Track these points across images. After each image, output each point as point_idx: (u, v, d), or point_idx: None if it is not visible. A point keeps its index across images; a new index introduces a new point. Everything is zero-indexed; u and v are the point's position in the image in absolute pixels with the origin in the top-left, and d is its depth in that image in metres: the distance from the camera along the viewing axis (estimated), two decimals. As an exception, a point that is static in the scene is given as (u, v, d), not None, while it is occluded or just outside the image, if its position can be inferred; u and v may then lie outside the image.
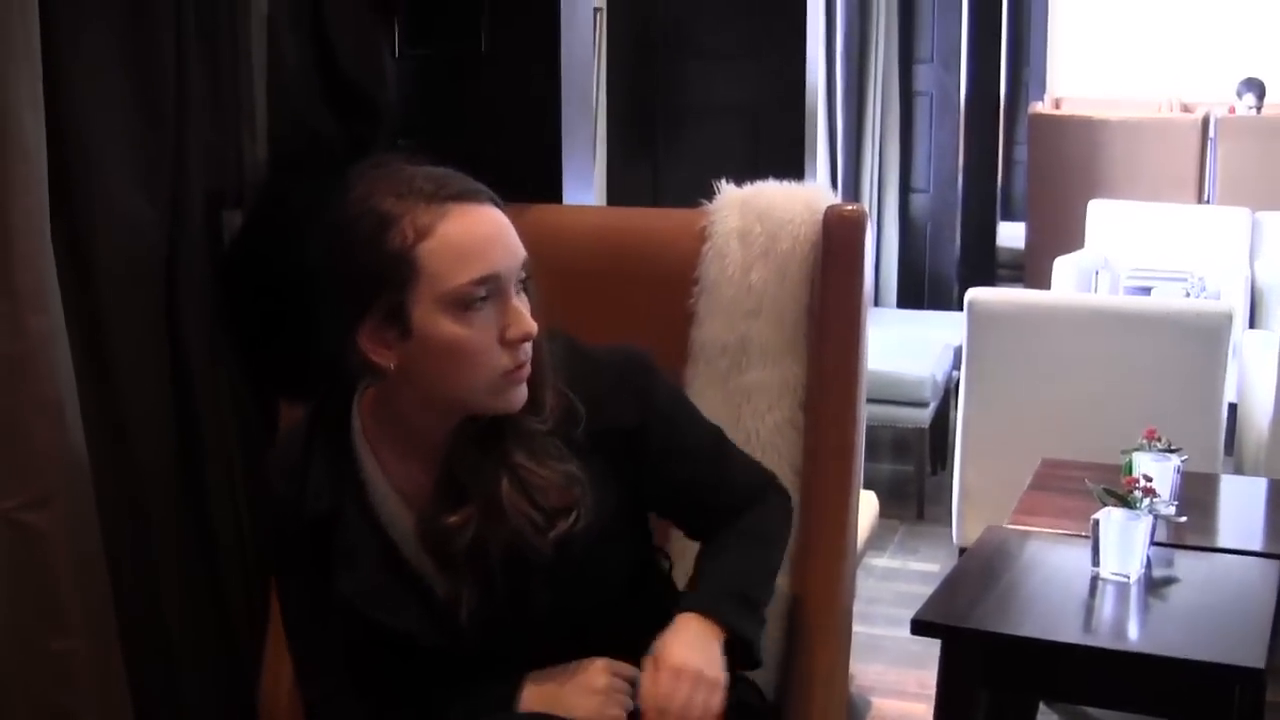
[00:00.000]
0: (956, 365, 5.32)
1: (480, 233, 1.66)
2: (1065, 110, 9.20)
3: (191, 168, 2.24)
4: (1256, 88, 8.63)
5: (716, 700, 1.74)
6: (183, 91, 2.22)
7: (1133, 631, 2.54)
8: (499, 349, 1.67)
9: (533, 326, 1.67)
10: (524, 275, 1.69)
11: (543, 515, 1.71)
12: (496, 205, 1.69)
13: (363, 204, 1.66)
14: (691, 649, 1.75)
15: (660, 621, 1.81)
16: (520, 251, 1.68)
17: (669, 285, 2.24)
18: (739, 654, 1.81)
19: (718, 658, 1.77)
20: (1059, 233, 7.07)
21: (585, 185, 2.65)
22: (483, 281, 1.64)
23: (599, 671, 1.79)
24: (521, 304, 1.68)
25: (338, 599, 1.78)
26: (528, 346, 1.69)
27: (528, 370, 1.70)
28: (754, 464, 1.99)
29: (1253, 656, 2.29)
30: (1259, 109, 8.47)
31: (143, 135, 2.18)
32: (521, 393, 1.71)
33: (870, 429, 4.61)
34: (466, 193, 1.67)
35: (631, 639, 1.80)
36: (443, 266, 1.63)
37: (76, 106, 2.07)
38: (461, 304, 1.64)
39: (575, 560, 1.74)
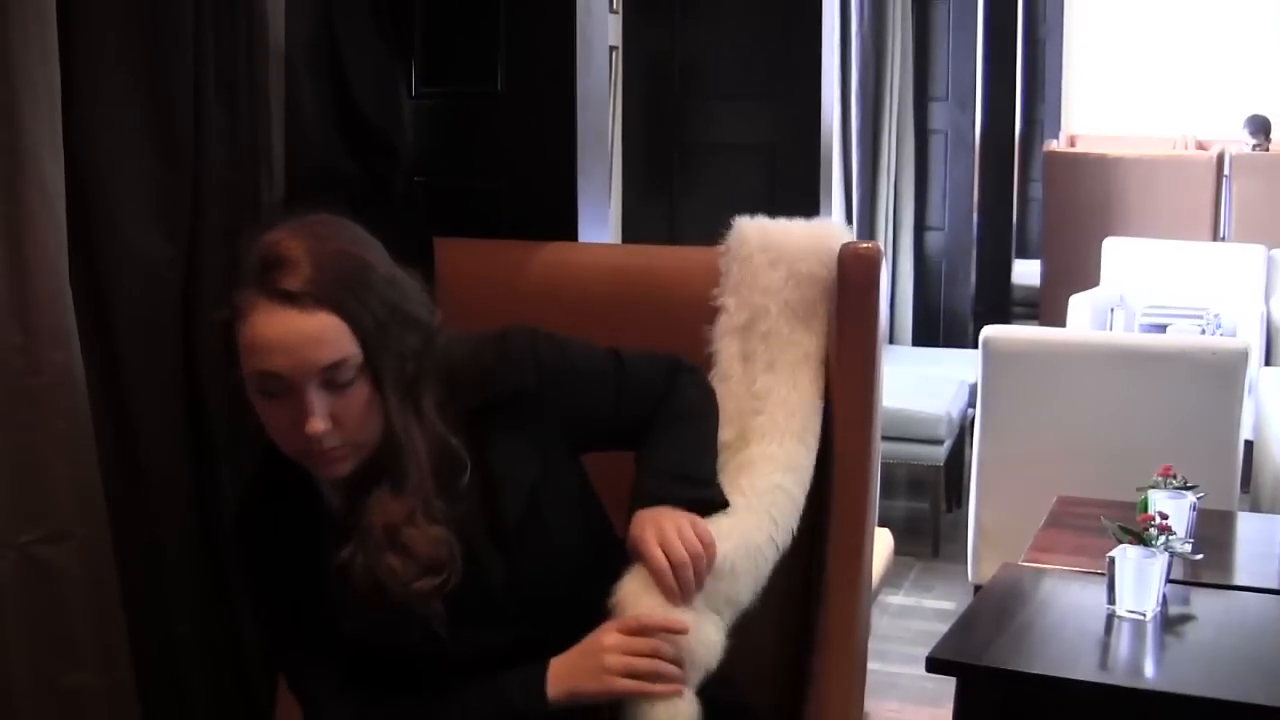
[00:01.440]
0: (971, 403, 5.31)
1: (270, 335, 1.69)
2: (1080, 148, 9.22)
3: (209, 207, 2.25)
4: (1260, 124, 8.64)
5: (700, 522, 1.85)
6: (201, 131, 2.23)
7: (1149, 670, 2.53)
8: (295, 433, 1.71)
9: (316, 428, 1.69)
10: (342, 375, 1.70)
11: (414, 566, 1.76)
12: (320, 304, 1.68)
13: (243, 253, 1.75)
14: (657, 515, 1.84)
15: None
16: (317, 358, 1.68)
17: (684, 323, 2.24)
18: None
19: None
20: (1074, 270, 7.07)
21: (601, 223, 2.66)
22: (266, 377, 1.70)
23: (605, 630, 1.81)
24: (322, 399, 1.70)
25: (348, 635, 1.83)
26: (329, 437, 1.71)
27: (332, 454, 1.74)
28: (655, 357, 2.03)
29: (1272, 695, 2.28)
30: (1265, 147, 8.48)
31: (161, 174, 2.20)
32: (333, 470, 1.76)
33: (885, 467, 4.61)
34: (280, 294, 1.68)
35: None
36: (243, 351, 1.71)
37: (95, 146, 2.08)
38: (254, 388, 1.72)
39: (518, 540, 1.81)
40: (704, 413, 2.03)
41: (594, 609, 1.84)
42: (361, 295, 1.70)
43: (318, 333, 1.68)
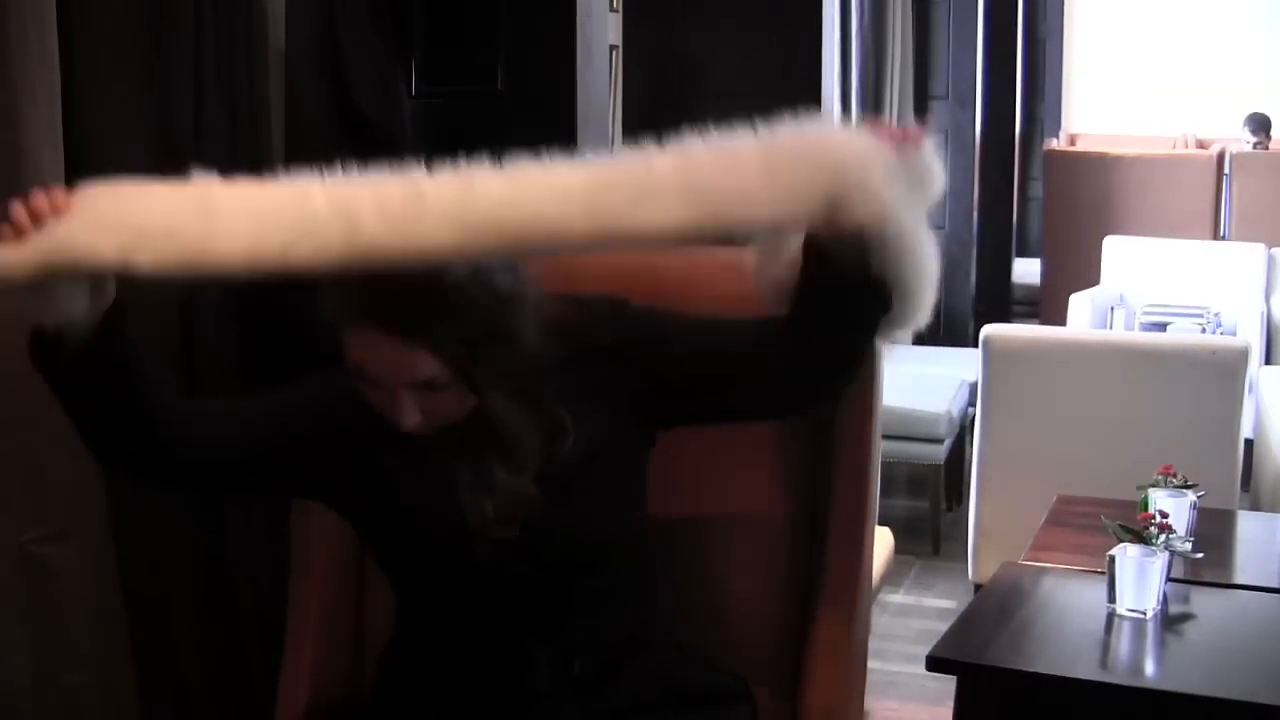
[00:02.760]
0: (972, 401, 5.31)
1: (367, 355, 1.73)
2: (1080, 147, 9.22)
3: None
4: (1260, 123, 8.64)
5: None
6: (201, 131, 2.24)
7: (1149, 668, 2.53)
8: (384, 410, 1.77)
9: (407, 425, 1.75)
10: (433, 385, 1.73)
11: (494, 509, 1.81)
12: (408, 335, 1.71)
13: None
14: None
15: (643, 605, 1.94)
16: (407, 378, 1.73)
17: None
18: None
19: None
20: (1074, 269, 7.07)
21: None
22: (360, 371, 1.75)
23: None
24: (414, 398, 1.74)
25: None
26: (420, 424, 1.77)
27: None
28: (743, 325, 1.95)
29: (1272, 694, 2.28)
30: (1265, 145, 8.47)
31: (160, 173, 2.19)
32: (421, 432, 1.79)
33: (885, 465, 4.61)
34: (360, 315, 1.71)
35: (610, 608, 1.89)
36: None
37: (95, 144, 2.08)
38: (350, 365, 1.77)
39: (563, 489, 1.82)
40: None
41: (593, 599, 1.87)
42: (452, 321, 1.72)
43: (405, 359, 1.72)
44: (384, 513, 1.89)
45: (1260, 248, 6.57)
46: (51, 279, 1.60)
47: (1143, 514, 2.68)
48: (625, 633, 1.93)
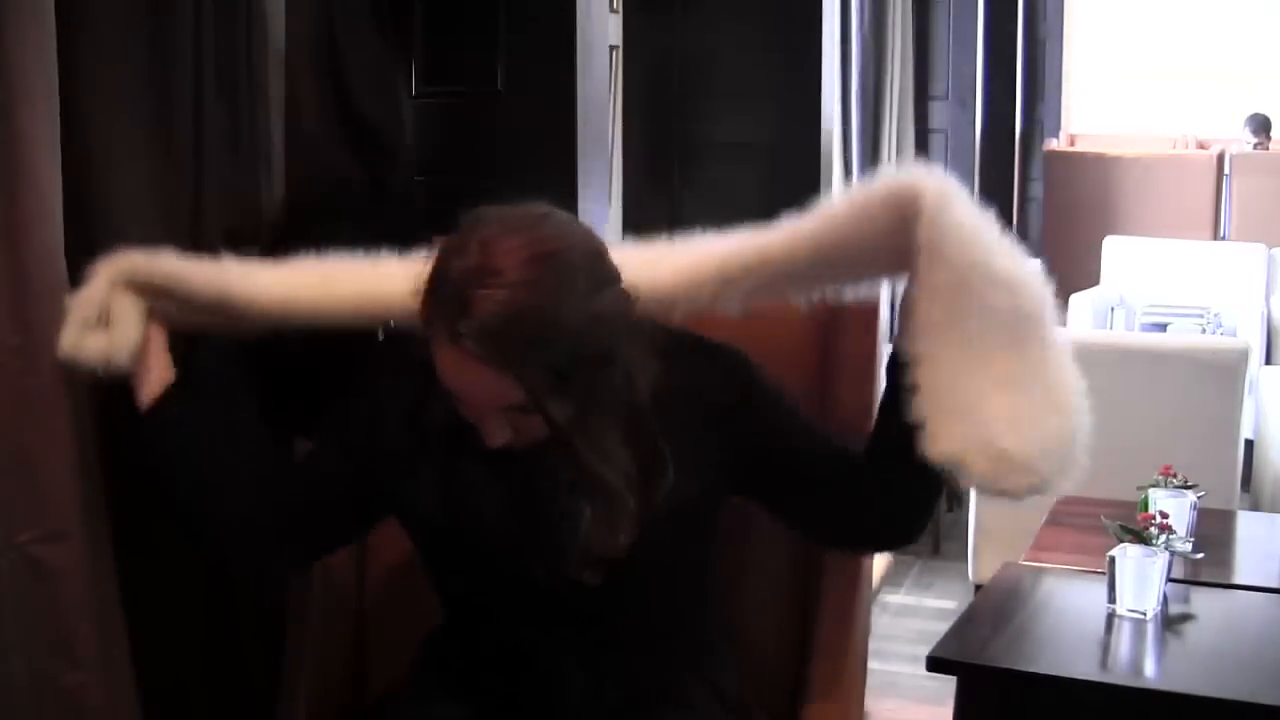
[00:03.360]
0: (972, 402, 5.30)
1: (447, 373, 1.72)
2: (1080, 147, 9.21)
3: (209, 206, 2.25)
4: (1260, 123, 8.63)
5: None
6: (200, 131, 2.23)
7: (1149, 669, 2.53)
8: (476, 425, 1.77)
9: (494, 444, 1.75)
10: (520, 409, 1.71)
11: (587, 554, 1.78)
12: (493, 362, 1.68)
13: (451, 255, 1.73)
14: None
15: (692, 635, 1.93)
16: (492, 402, 1.72)
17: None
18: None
19: None
20: (1074, 269, 7.06)
21: (601, 222, 2.66)
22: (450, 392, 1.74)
23: None
24: (504, 421, 1.74)
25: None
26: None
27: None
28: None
29: (1272, 695, 2.28)
30: (1265, 145, 8.47)
31: (160, 174, 2.19)
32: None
33: (886, 465, 4.59)
34: (458, 341, 1.68)
35: (655, 646, 1.88)
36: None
37: (95, 146, 2.08)
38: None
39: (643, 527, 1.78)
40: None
41: (651, 632, 1.88)
42: (541, 351, 1.67)
43: (489, 384, 1.69)
44: (444, 522, 1.87)
45: (1260, 248, 6.58)
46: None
47: (1143, 514, 2.68)
48: (665, 670, 1.92)
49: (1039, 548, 3.04)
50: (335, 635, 2.27)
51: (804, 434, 1.93)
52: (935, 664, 2.41)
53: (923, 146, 7.36)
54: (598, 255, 1.76)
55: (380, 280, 1.93)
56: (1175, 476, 2.96)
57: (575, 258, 1.71)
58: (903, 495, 1.91)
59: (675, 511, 1.81)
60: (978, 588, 3.96)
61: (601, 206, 2.67)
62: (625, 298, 1.76)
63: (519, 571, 1.83)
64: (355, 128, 2.51)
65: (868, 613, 2.23)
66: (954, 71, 7.38)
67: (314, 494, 1.95)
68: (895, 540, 2.06)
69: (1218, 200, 7.41)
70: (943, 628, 2.58)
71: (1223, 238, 7.34)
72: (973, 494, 4.23)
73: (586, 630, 1.86)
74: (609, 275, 1.76)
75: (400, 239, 1.99)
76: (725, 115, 4.22)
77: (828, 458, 1.93)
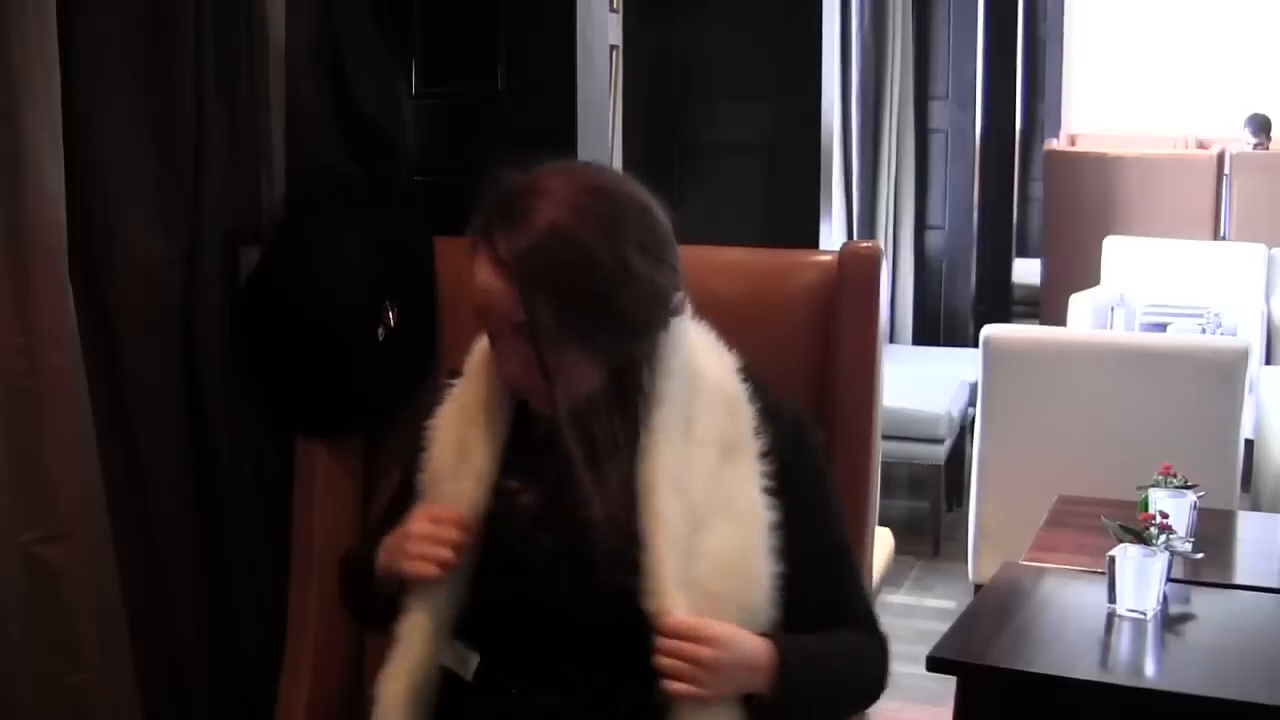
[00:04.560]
0: (972, 402, 5.31)
1: (475, 281, 1.74)
2: (1080, 147, 9.23)
3: (209, 206, 2.26)
4: (1260, 123, 8.64)
5: (717, 679, 1.73)
6: (201, 131, 2.23)
7: (1149, 669, 2.53)
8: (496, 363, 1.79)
9: (503, 372, 1.77)
10: (532, 335, 1.71)
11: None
12: (514, 278, 1.69)
13: (504, 176, 1.78)
14: (739, 641, 1.75)
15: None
16: (505, 316, 1.72)
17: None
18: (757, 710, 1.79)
19: (742, 679, 1.76)
20: (1075, 269, 7.07)
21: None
22: (477, 308, 1.75)
23: (416, 516, 1.81)
24: (515, 353, 1.74)
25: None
26: (521, 380, 1.76)
27: (529, 395, 1.79)
28: (865, 591, 1.98)
29: (1272, 694, 2.28)
30: (1265, 145, 8.48)
31: (161, 174, 2.20)
32: (539, 405, 1.79)
33: (886, 466, 4.60)
34: (491, 251, 1.71)
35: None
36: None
37: (95, 146, 2.08)
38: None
39: None
40: (870, 688, 1.94)
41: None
42: (562, 281, 1.69)
43: (505, 296, 1.70)
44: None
45: (1260, 248, 6.57)
46: None
47: (1143, 514, 2.68)
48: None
49: (1039, 548, 3.04)
50: (335, 635, 2.27)
51: (827, 532, 1.89)
52: (935, 664, 2.41)
53: (923, 146, 7.37)
54: (656, 229, 1.78)
55: None
56: (1175, 476, 2.95)
57: (629, 212, 1.75)
58: None
59: None
60: (978, 588, 3.95)
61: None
62: (671, 287, 1.78)
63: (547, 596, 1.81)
64: (356, 127, 2.51)
65: (868, 612, 2.23)
66: (954, 71, 7.37)
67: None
68: None
69: (1218, 200, 7.41)
70: (943, 628, 2.58)
71: (1223, 238, 7.34)
72: (973, 493, 4.23)
73: (604, 644, 1.81)
74: (664, 254, 1.77)
75: (400, 239, 1.99)
76: (725, 115, 4.23)
77: (822, 592, 1.88)
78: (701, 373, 1.83)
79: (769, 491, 1.80)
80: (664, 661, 1.71)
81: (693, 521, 1.76)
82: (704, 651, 1.71)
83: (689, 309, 1.84)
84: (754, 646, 1.76)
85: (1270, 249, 6.56)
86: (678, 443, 1.78)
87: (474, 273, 1.73)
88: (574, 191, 1.72)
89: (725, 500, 1.79)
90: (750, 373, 1.86)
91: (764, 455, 1.81)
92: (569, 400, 1.76)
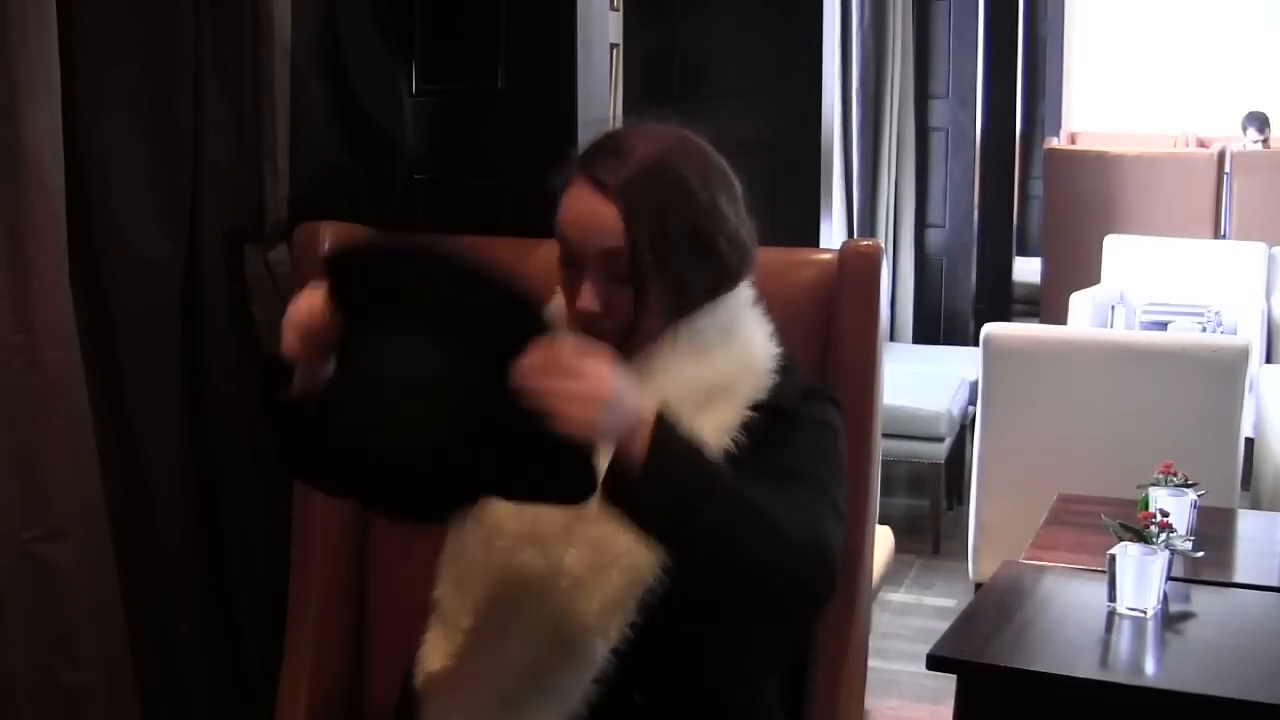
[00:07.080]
0: (972, 400, 5.31)
1: (572, 207, 1.78)
2: (1081, 145, 9.23)
3: (210, 206, 2.26)
4: (1260, 122, 8.64)
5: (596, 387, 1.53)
6: (202, 130, 2.23)
7: (1149, 667, 2.53)
8: (573, 305, 1.78)
9: (584, 304, 1.75)
10: (620, 268, 1.73)
11: None
12: (618, 198, 1.73)
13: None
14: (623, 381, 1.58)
15: None
16: (598, 241, 1.74)
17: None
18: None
19: (627, 408, 1.56)
20: (1075, 268, 7.07)
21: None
22: (562, 243, 1.78)
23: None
24: (597, 286, 1.75)
25: None
26: (598, 320, 1.75)
27: (603, 338, 1.69)
28: (825, 514, 1.75)
29: (1272, 693, 2.28)
30: (1265, 144, 8.48)
31: (161, 173, 2.20)
32: (599, 338, 1.70)
33: (886, 464, 4.61)
34: (593, 177, 1.76)
35: (688, 658, 1.83)
36: (558, 215, 1.80)
37: (95, 144, 2.08)
38: (560, 258, 1.79)
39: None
40: (772, 522, 1.66)
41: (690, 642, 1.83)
42: (663, 208, 1.74)
43: (605, 220, 1.73)
44: None
45: (1260, 247, 6.57)
46: None
47: (1143, 513, 2.68)
48: (696, 682, 1.87)
49: (1039, 546, 3.04)
50: (335, 635, 2.27)
51: (793, 459, 1.79)
52: (935, 662, 2.41)
53: (923, 145, 7.37)
54: (735, 188, 1.85)
55: None
56: (1175, 475, 2.95)
57: (717, 164, 1.84)
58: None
59: None
60: (978, 586, 3.96)
61: (602, 205, 2.67)
62: (752, 243, 1.85)
63: None
64: (357, 125, 2.51)
65: (868, 611, 2.23)
66: (954, 71, 7.38)
67: None
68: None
69: (1218, 199, 7.41)
70: (943, 626, 2.58)
71: (1223, 236, 7.33)
72: (973, 492, 4.23)
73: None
74: (744, 212, 1.84)
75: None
76: (725, 113, 4.22)
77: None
78: (748, 344, 1.86)
79: (743, 433, 1.80)
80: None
81: None
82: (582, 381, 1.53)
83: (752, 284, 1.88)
84: (639, 395, 1.59)
85: (1270, 248, 6.56)
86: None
87: (567, 205, 1.78)
88: (669, 137, 1.81)
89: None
90: (789, 360, 1.89)
91: (754, 406, 1.81)
92: (641, 338, 1.77)
